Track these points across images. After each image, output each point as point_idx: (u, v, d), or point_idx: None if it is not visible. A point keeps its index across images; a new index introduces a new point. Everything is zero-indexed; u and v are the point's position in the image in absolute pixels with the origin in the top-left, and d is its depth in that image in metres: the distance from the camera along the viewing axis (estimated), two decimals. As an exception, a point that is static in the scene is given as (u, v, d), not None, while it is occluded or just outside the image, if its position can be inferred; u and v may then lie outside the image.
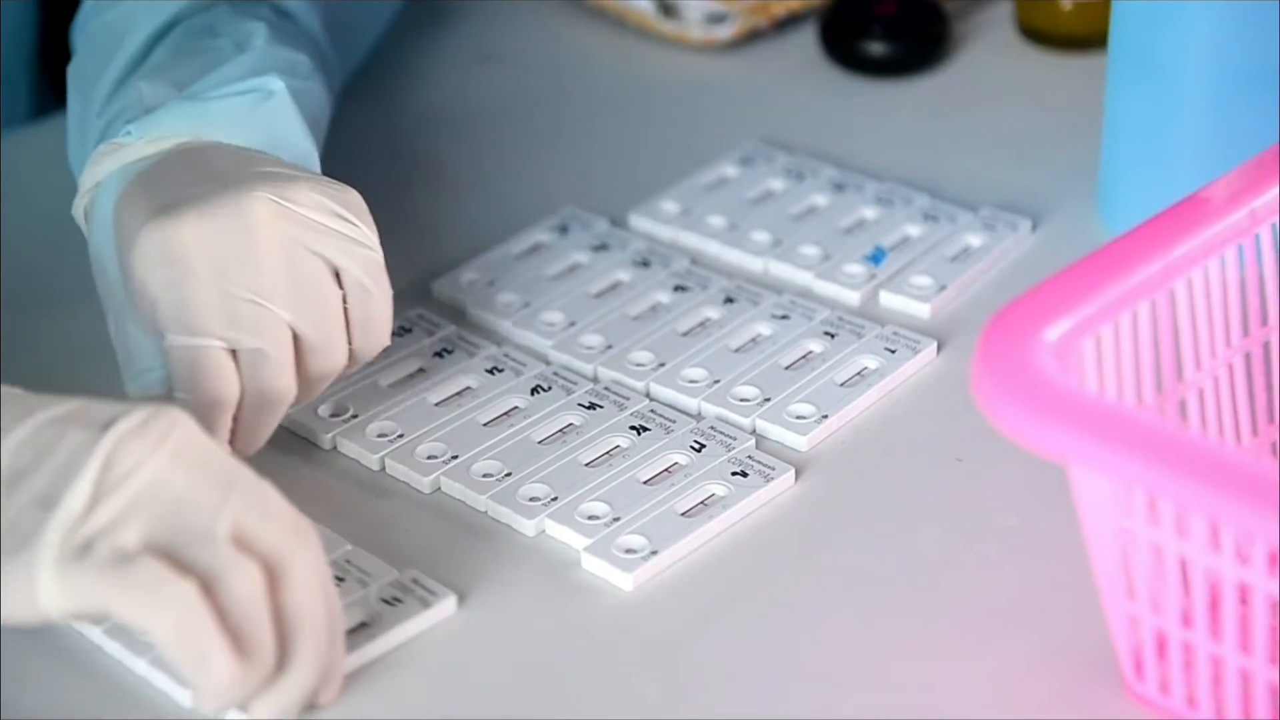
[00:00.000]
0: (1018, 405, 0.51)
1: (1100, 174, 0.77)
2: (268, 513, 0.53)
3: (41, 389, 0.55)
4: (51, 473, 0.53)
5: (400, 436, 0.66)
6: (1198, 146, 0.72)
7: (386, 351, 0.69)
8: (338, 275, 0.62)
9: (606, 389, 0.68)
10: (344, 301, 0.62)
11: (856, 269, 0.74)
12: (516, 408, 0.67)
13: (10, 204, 0.76)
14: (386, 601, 0.59)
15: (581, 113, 0.86)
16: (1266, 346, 0.60)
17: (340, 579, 0.59)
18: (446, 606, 0.59)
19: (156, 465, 0.53)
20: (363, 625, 0.58)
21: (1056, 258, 0.73)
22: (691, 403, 0.67)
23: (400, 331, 0.71)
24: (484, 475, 0.64)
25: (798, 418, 0.66)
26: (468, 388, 0.68)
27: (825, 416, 0.66)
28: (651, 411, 0.67)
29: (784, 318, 0.71)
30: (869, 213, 0.77)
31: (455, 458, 0.65)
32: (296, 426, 0.67)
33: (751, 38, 0.89)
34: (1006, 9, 0.90)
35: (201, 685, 0.52)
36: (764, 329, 0.71)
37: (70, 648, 0.58)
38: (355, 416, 0.67)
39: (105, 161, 0.65)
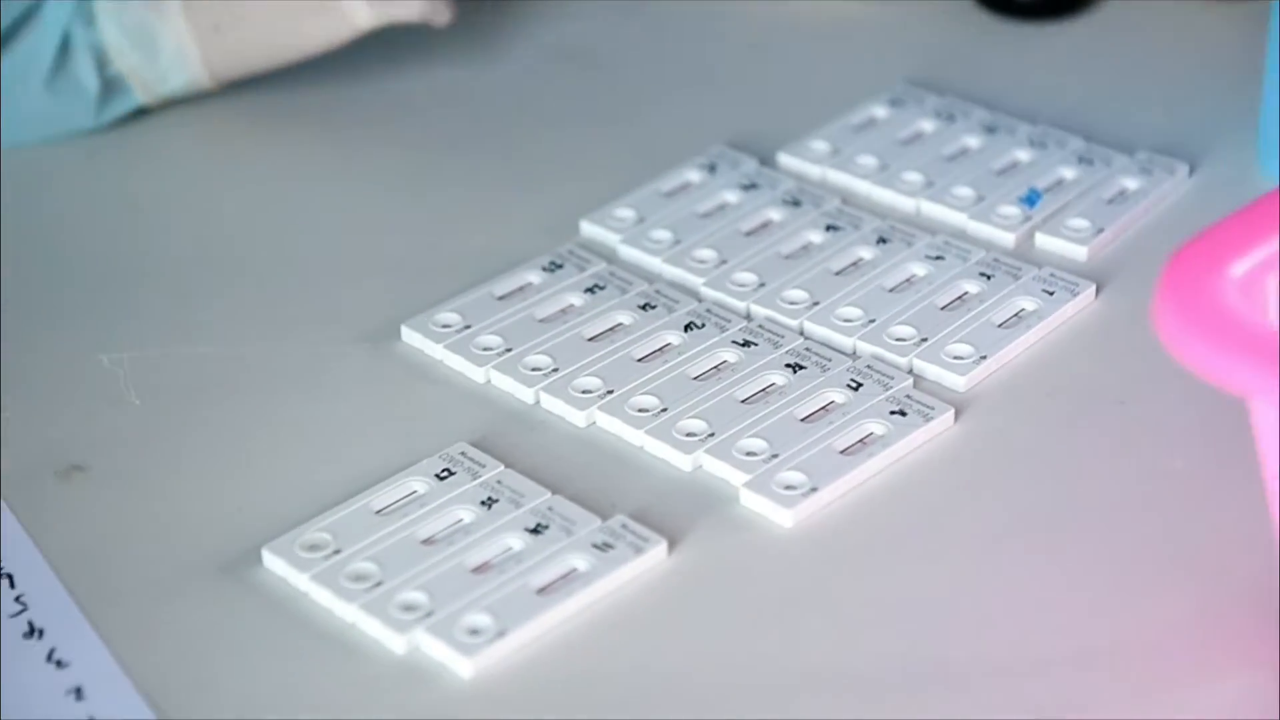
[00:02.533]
0: (1202, 338, 0.50)
1: (1260, 120, 0.75)
2: None
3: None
4: None
5: (554, 371, 0.66)
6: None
7: (538, 287, 0.69)
8: None
9: (760, 326, 0.67)
10: None
11: (1011, 211, 0.73)
12: (670, 344, 0.67)
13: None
14: (598, 547, 0.59)
15: (729, 53, 0.85)
16: None
17: (544, 527, 0.59)
18: (658, 552, 0.59)
19: None
20: (573, 571, 0.58)
21: (1215, 203, 0.72)
22: (847, 342, 0.67)
23: (551, 267, 0.70)
24: (639, 410, 0.64)
25: (955, 358, 0.66)
26: (620, 324, 0.68)
27: (984, 357, 0.66)
28: (806, 350, 0.66)
29: (938, 258, 0.70)
30: (1022, 155, 0.76)
31: (610, 392, 0.65)
32: (452, 360, 0.67)
33: (897, -20, 0.89)
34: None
35: None
36: (918, 269, 0.70)
37: (278, 595, 0.58)
38: (509, 350, 0.67)
39: None
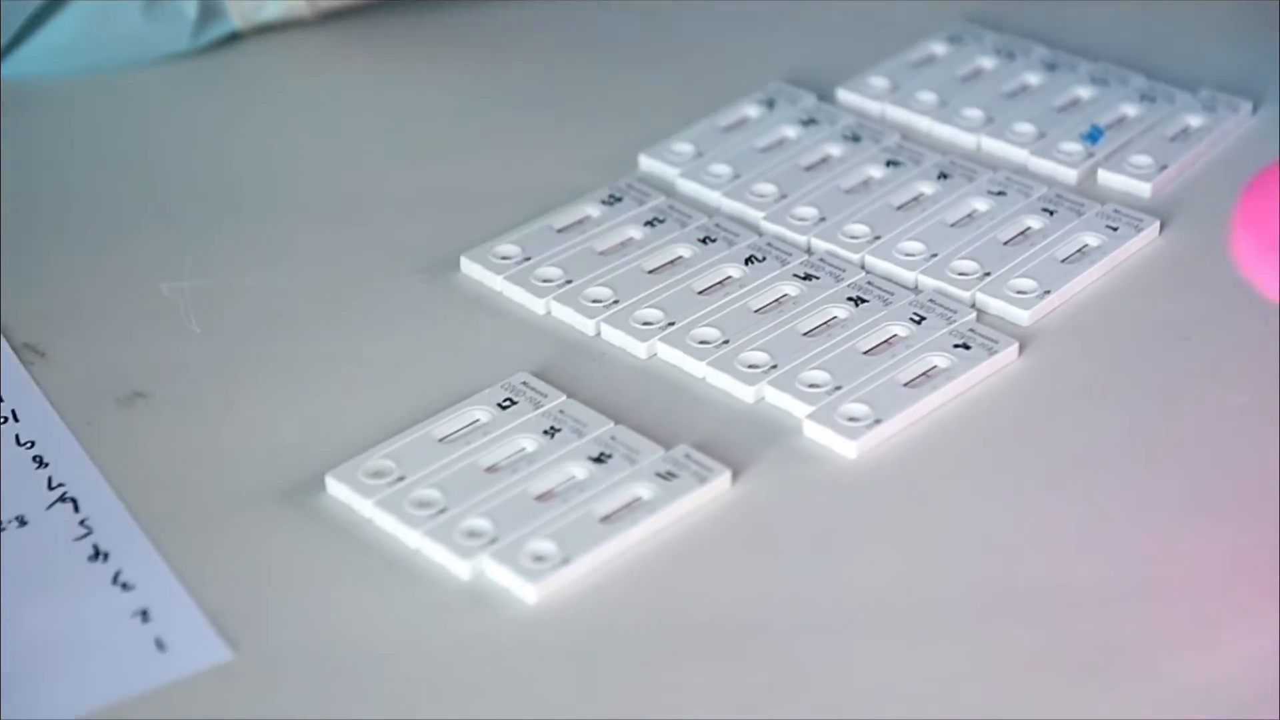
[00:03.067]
0: (1280, 266, 0.50)
1: (1324, 57, 0.75)
2: None
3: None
4: None
5: (615, 302, 0.65)
6: None
7: (597, 220, 0.69)
8: None
9: (821, 260, 0.67)
10: None
11: (1073, 147, 0.72)
12: (730, 277, 0.67)
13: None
14: (661, 476, 0.58)
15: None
16: None
17: (607, 456, 0.59)
18: (722, 482, 0.59)
19: None
20: (637, 500, 0.58)
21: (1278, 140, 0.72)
22: (909, 276, 0.66)
23: (610, 200, 0.70)
24: (701, 342, 0.64)
25: (1019, 293, 0.65)
26: (680, 256, 0.68)
27: (1047, 292, 0.65)
28: (868, 283, 0.66)
29: (1000, 194, 0.70)
30: (1083, 92, 0.75)
31: (671, 324, 0.64)
32: (512, 291, 0.67)
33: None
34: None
35: None
36: (980, 205, 0.69)
37: (341, 521, 0.58)
38: (570, 282, 0.66)
39: None
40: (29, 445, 0.60)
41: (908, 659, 0.54)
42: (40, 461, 0.60)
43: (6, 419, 0.61)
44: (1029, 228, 0.68)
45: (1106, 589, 0.56)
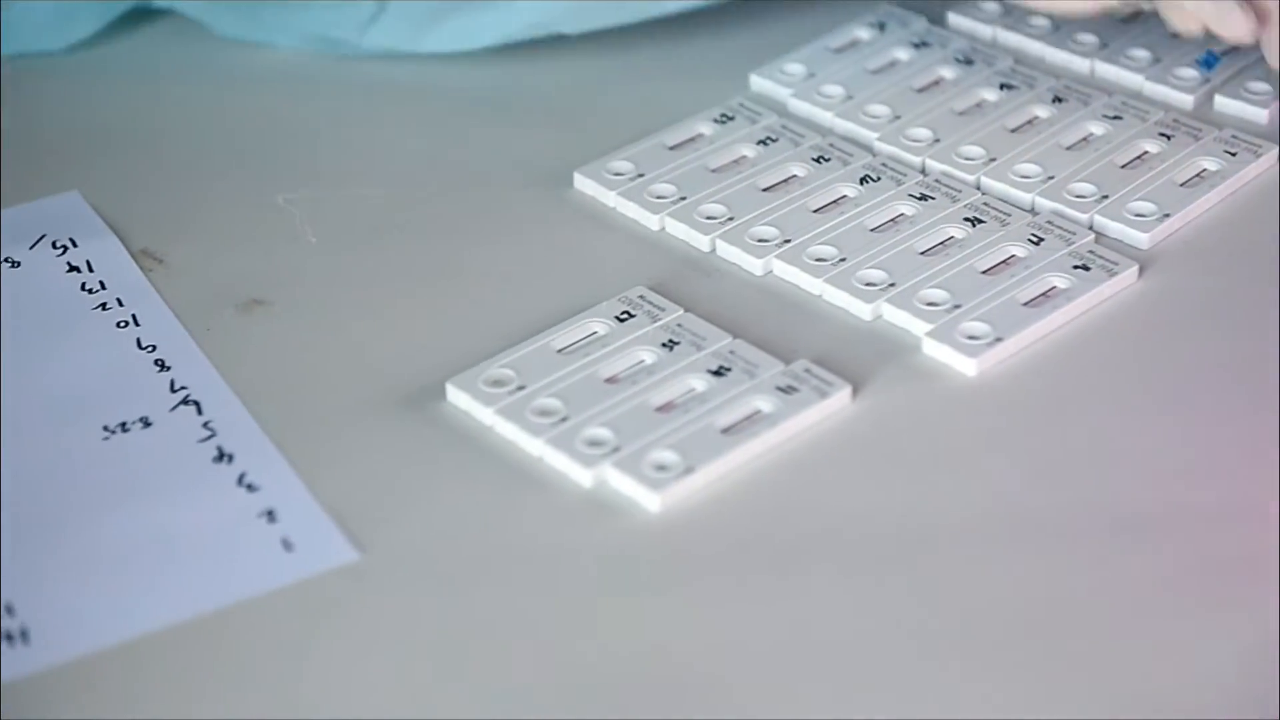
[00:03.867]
0: None
1: None
2: None
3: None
4: None
5: (730, 219, 0.65)
6: None
7: (709, 139, 0.69)
8: None
9: (937, 181, 0.67)
10: None
11: (1189, 73, 0.71)
12: (845, 196, 0.66)
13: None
14: (782, 390, 0.58)
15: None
16: None
17: (726, 369, 0.59)
18: (842, 397, 0.58)
19: None
20: (758, 413, 0.58)
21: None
22: (1025, 197, 0.66)
23: (722, 119, 0.70)
24: (817, 259, 0.63)
25: (1138, 215, 0.65)
26: (794, 175, 0.67)
27: (1166, 215, 0.65)
28: (985, 204, 0.65)
29: (1116, 118, 0.69)
30: (1197, 19, 0.75)
31: (787, 241, 0.64)
32: (626, 207, 0.67)
33: None
34: None
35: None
36: (1096, 128, 0.69)
37: (462, 429, 0.58)
38: (683, 199, 0.66)
39: None
40: (150, 349, 0.61)
41: (1025, 574, 0.54)
42: (162, 365, 0.60)
43: (127, 323, 0.62)
44: (1146, 151, 0.68)
45: (1222, 509, 0.55)
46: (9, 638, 0.51)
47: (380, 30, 0.74)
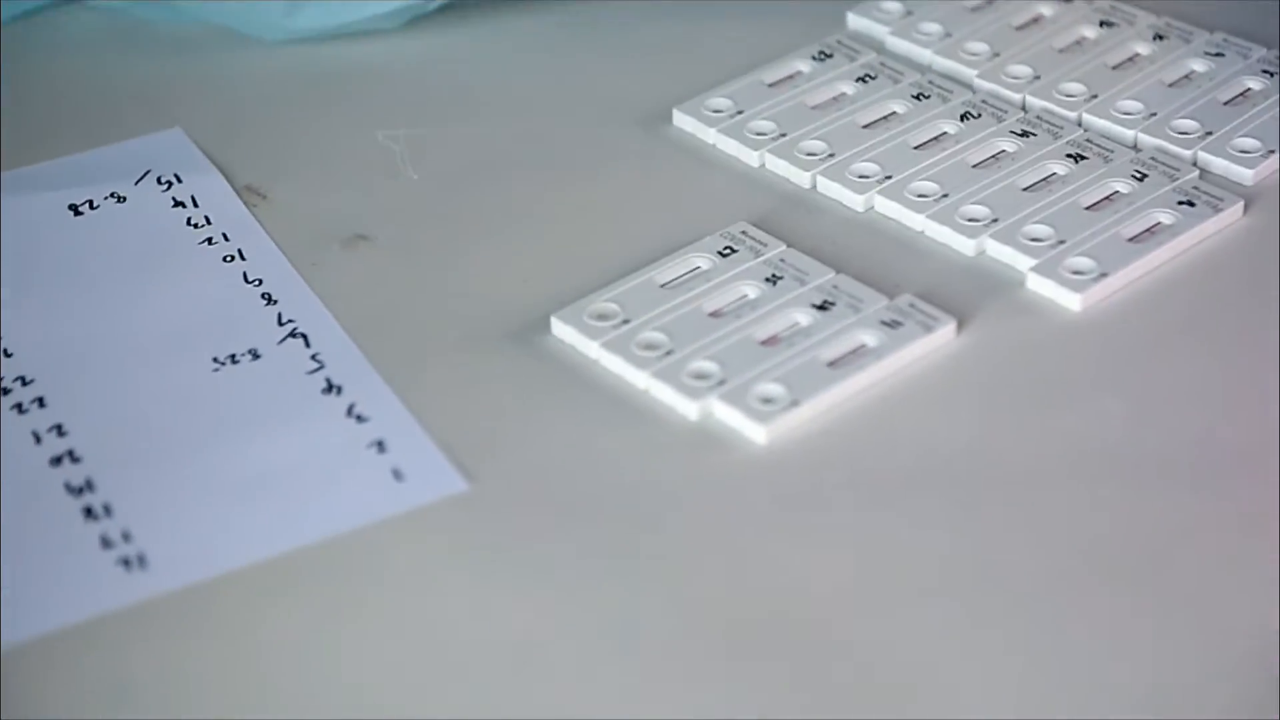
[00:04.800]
0: None
1: None
2: None
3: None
4: None
5: (830, 156, 0.65)
6: None
7: (808, 76, 0.69)
8: None
9: (1038, 117, 0.66)
10: None
11: (1291, 11, 0.71)
12: (946, 133, 0.66)
13: None
14: (886, 324, 0.58)
15: None
16: None
17: (830, 304, 0.59)
18: (947, 332, 0.58)
19: None
20: (862, 347, 0.58)
21: None
22: (1128, 134, 0.66)
23: (820, 56, 0.70)
24: (919, 195, 0.63)
25: (1243, 152, 0.64)
26: (894, 112, 0.67)
27: (1271, 151, 0.64)
28: (1087, 141, 0.65)
29: (1218, 55, 0.69)
30: (1299, -43, 0.74)
31: (889, 178, 0.64)
32: (725, 144, 0.67)
33: None
34: None
35: None
36: (1198, 66, 0.68)
37: (568, 361, 0.58)
38: (783, 135, 0.66)
39: None
40: (257, 283, 0.61)
41: (1133, 510, 0.54)
42: (269, 299, 0.60)
43: (233, 258, 0.62)
44: (1249, 89, 0.67)
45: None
46: (126, 563, 0.52)
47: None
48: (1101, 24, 0.71)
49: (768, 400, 0.56)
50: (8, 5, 0.73)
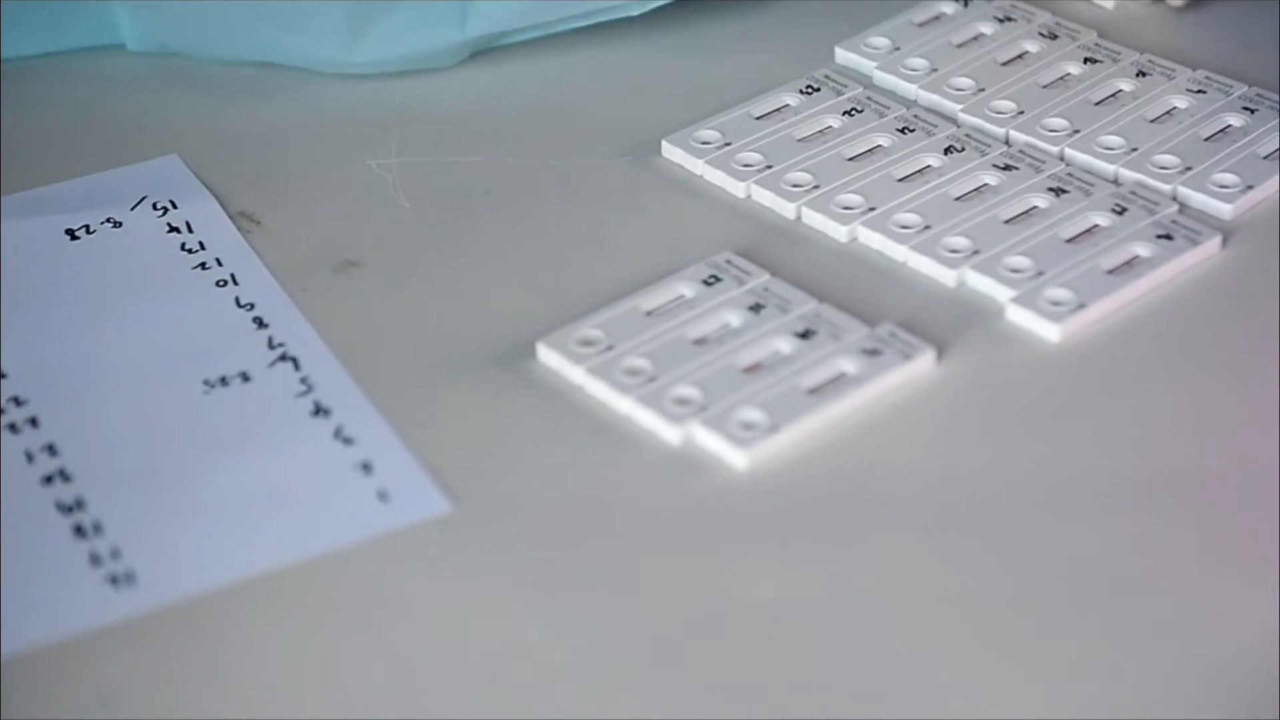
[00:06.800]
0: None
1: None
2: None
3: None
4: None
5: (815, 187, 0.66)
6: None
7: (795, 109, 0.70)
8: None
9: (1021, 152, 0.67)
10: None
11: (1273, 49, 0.72)
12: (930, 166, 0.67)
13: None
14: (867, 352, 0.59)
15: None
16: None
17: (812, 332, 0.60)
18: (926, 360, 0.59)
19: None
20: (842, 375, 0.59)
21: None
22: (1109, 168, 0.67)
23: (808, 90, 0.71)
24: (902, 227, 0.64)
25: (1222, 187, 0.65)
26: (879, 145, 0.68)
27: (1250, 187, 0.65)
28: (1068, 174, 0.66)
29: (1200, 92, 0.70)
30: (1282, -4, 0.75)
31: (872, 209, 0.65)
32: (713, 175, 0.68)
33: None
34: None
35: None
36: (1180, 102, 0.69)
37: (552, 387, 0.59)
38: (770, 167, 0.67)
39: None
40: (249, 307, 0.62)
41: (1110, 538, 0.54)
42: (260, 322, 0.61)
43: (226, 282, 0.63)
44: (1230, 125, 0.68)
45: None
46: (114, 580, 0.53)
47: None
48: (1085, 60, 0.72)
49: (748, 426, 0.57)
50: (41, 43, 0.75)
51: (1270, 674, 0.51)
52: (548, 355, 0.60)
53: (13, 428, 0.58)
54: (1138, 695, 0.50)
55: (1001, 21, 0.74)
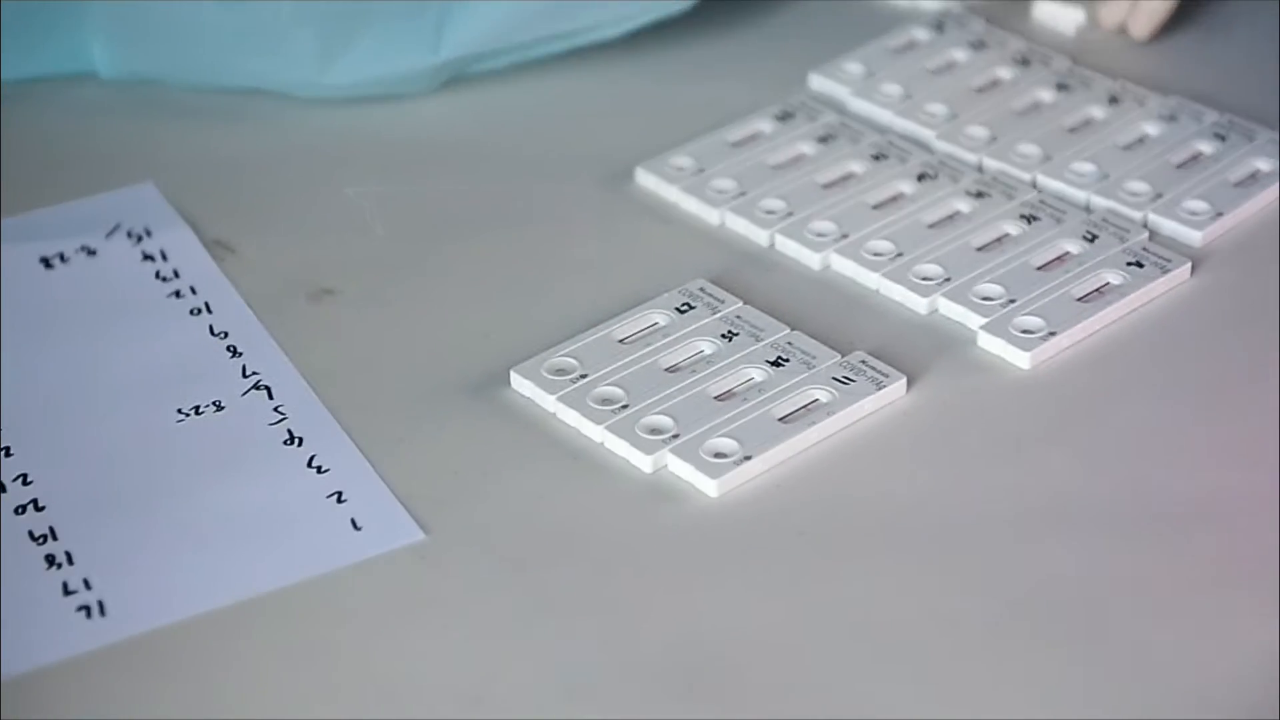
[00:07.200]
0: None
1: None
2: None
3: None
4: None
5: (789, 214, 0.66)
6: None
7: (769, 135, 0.70)
8: None
9: (994, 179, 0.68)
10: None
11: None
12: (902, 193, 0.67)
13: None
14: (838, 380, 0.60)
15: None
16: None
17: (784, 360, 0.60)
18: (898, 388, 0.60)
19: None
20: (814, 402, 0.59)
21: None
22: (1080, 195, 0.67)
23: (782, 116, 0.71)
24: (875, 254, 0.65)
25: (1192, 214, 0.66)
26: (852, 172, 0.69)
27: (1220, 214, 0.66)
28: (1040, 202, 0.66)
29: (1172, 119, 0.70)
30: (1253, 22, 0.76)
31: (845, 236, 0.65)
32: (687, 202, 0.68)
33: None
34: None
35: None
36: (1151, 129, 0.70)
37: (526, 415, 0.59)
38: (743, 194, 0.68)
39: None
40: (223, 335, 0.62)
41: (1073, 564, 0.55)
42: (234, 351, 0.61)
43: (200, 311, 0.63)
44: (1200, 152, 0.69)
45: (1272, 503, 0.56)
46: (86, 610, 0.53)
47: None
48: (1058, 87, 0.72)
49: (720, 454, 0.57)
50: (13, 69, 0.74)
51: (1246, 691, 0.51)
52: (521, 383, 0.60)
53: (-14, 457, 0.58)
54: (1110, 717, 0.51)
55: (975, 48, 0.75)
